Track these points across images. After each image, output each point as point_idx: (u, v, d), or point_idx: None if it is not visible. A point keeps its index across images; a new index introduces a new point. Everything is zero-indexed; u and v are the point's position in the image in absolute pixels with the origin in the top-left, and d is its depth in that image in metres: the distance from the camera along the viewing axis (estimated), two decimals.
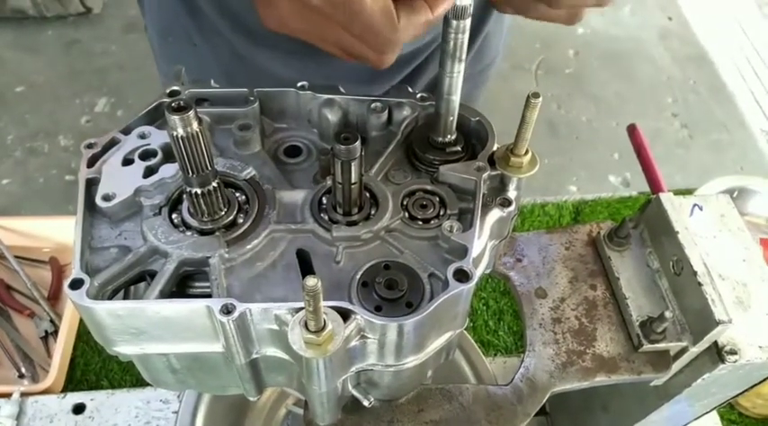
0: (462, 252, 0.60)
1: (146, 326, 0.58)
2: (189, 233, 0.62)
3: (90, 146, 0.67)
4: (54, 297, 1.51)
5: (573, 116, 3.36)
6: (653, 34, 3.87)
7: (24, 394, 1.26)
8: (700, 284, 0.71)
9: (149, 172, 0.65)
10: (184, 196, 0.62)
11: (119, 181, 0.64)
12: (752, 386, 0.81)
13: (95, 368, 1.40)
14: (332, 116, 0.72)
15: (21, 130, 3.09)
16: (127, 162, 0.66)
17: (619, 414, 0.96)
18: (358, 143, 0.57)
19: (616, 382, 0.76)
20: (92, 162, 0.66)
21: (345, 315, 0.55)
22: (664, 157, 2.95)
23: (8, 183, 2.89)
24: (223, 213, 0.62)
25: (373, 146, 0.72)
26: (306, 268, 0.62)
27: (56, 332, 1.42)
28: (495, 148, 0.69)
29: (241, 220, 0.63)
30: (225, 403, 1.12)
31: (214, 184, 0.59)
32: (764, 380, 0.79)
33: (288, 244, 0.63)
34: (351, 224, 0.63)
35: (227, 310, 0.55)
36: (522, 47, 3.62)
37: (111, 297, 0.59)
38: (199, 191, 0.59)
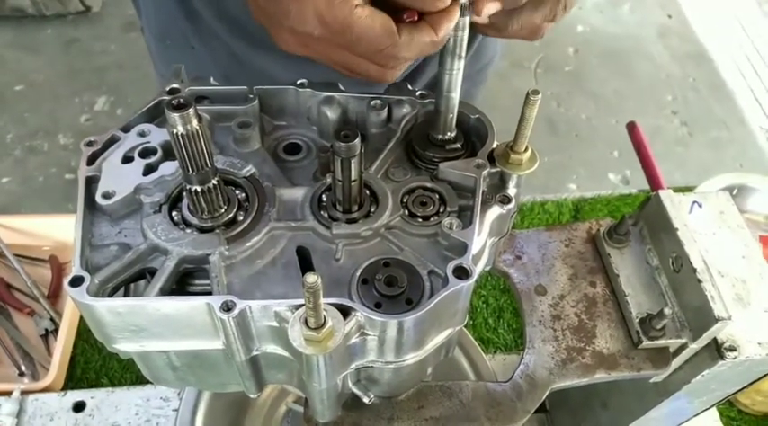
0: (462, 249, 0.60)
1: (146, 323, 0.58)
2: (189, 230, 0.62)
3: (90, 144, 0.67)
4: (54, 296, 1.51)
5: (572, 114, 3.35)
6: (652, 32, 3.87)
7: (24, 393, 1.27)
8: (699, 281, 0.71)
9: (149, 169, 0.65)
10: (184, 193, 0.62)
11: (119, 178, 0.64)
12: (751, 383, 0.81)
13: (95, 365, 1.40)
14: (331, 113, 0.72)
15: (20, 129, 3.09)
16: (127, 159, 0.66)
17: (618, 411, 0.97)
18: (358, 140, 0.57)
19: (615, 379, 0.76)
20: (92, 160, 0.66)
21: (345, 311, 0.55)
22: (663, 155, 2.95)
23: (8, 182, 2.89)
24: (223, 210, 0.62)
25: (373, 143, 0.72)
26: (306, 265, 0.62)
27: (56, 331, 1.42)
28: (494, 145, 0.69)
29: (241, 218, 0.63)
30: (225, 400, 1.13)
31: (214, 182, 0.60)
32: (764, 377, 0.79)
33: (288, 242, 0.64)
34: (351, 221, 0.63)
35: (227, 307, 0.55)
36: (522, 45, 3.59)
37: (111, 295, 0.60)
38: (199, 189, 0.59)
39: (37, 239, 1.58)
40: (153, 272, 0.60)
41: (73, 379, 1.38)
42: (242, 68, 1.03)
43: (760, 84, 3.59)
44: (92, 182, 0.65)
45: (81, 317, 1.41)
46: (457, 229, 0.62)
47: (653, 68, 3.65)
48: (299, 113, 0.74)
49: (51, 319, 1.45)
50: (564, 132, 3.26)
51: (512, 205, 0.67)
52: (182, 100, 0.53)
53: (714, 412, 1.27)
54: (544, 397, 0.75)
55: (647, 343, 0.75)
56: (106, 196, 0.63)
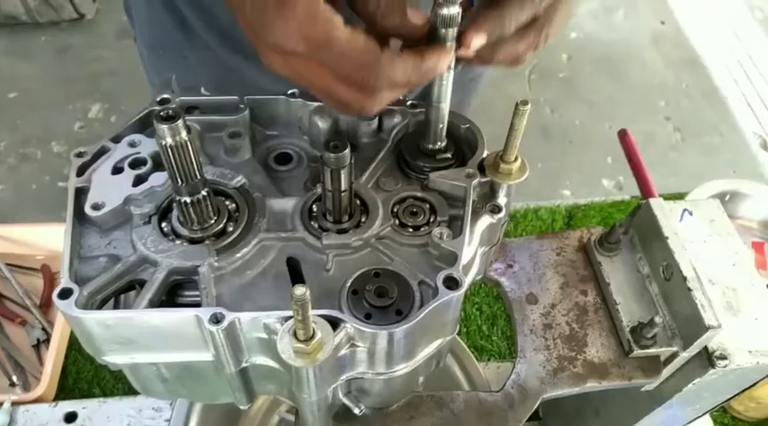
0: (452, 259, 0.60)
1: (135, 336, 0.58)
2: (178, 241, 0.62)
3: (79, 155, 0.66)
4: (46, 305, 1.50)
5: (566, 120, 3.36)
6: (646, 38, 3.89)
7: (16, 403, 1.26)
8: (689, 289, 0.71)
9: (139, 180, 0.65)
10: (174, 205, 0.62)
11: (108, 189, 0.64)
12: (743, 390, 0.81)
13: (87, 376, 1.39)
14: (322, 123, 0.72)
15: (13, 137, 3.08)
16: (116, 170, 0.66)
17: (611, 419, 0.96)
18: (347, 151, 0.57)
19: (607, 388, 0.76)
20: (81, 171, 0.66)
21: (335, 323, 0.55)
22: (656, 161, 2.96)
23: (1, 190, 2.88)
24: (213, 221, 0.62)
25: (363, 153, 0.72)
26: (296, 276, 0.62)
27: (48, 341, 1.42)
28: (484, 155, 0.69)
29: (231, 229, 0.63)
30: (217, 411, 1.12)
31: (203, 193, 0.59)
32: (756, 384, 0.79)
33: (278, 253, 0.63)
34: (341, 231, 0.63)
35: (216, 319, 0.55)
36: None
37: (100, 307, 0.59)
38: (188, 200, 0.59)
39: (29, 248, 1.57)
40: (142, 284, 0.60)
41: (64, 390, 1.37)
42: (234, 79, 1.03)
43: (752, 90, 3.61)
44: (81, 193, 0.64)
45: None
46: (447, 239, 0.62)
47: (646, 74, 3.67)
48: (289, 123, 0.74)
49: (43, 329, 1.44)
50: (557, 138, 3.27)
51: (502, 214, 0.67)
52: (170, 111, 0.53)
53: (708, 420, 1.27)
54: (536, 407, 0.75)
55: (638, 352, 0.75)
56: (96, 207, 0.63)
